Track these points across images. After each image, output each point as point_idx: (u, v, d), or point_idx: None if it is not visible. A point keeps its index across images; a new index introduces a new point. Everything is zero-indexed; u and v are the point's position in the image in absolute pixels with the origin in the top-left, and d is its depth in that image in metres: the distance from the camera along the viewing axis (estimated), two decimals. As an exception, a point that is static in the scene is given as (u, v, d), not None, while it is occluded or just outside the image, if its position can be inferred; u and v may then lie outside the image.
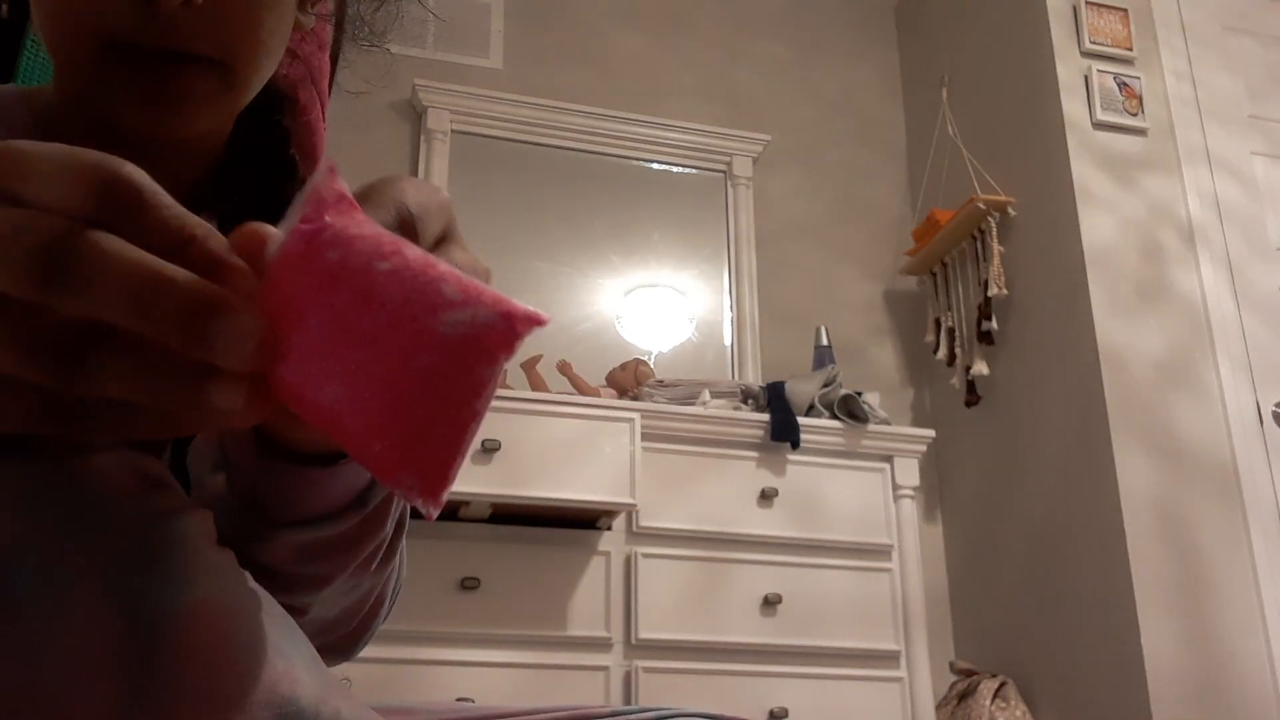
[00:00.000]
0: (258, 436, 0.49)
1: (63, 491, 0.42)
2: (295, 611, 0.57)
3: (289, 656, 0.43)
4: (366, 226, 0.34)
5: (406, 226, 0.38)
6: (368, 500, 0.55)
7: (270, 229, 0.36)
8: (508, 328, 0.32)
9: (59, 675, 0.39)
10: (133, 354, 0.34)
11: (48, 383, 0.34)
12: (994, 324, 3.04)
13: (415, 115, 3.23)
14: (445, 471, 0.33)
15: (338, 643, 0.67)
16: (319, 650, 0.55)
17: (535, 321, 0.33)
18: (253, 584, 0.46)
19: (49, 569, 0.40)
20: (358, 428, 0.33)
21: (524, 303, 0.33)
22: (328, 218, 0.34)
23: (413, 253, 0.34)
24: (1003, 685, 2.70)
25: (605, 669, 2.39)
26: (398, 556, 0.65)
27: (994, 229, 3.08)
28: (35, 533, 0.40)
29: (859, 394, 2.81)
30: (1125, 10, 3.11)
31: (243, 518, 0.53)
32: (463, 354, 0.32)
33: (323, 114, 0.84)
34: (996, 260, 3.03)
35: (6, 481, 0.40)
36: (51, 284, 0.33)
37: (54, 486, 0.42)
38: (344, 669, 1.96)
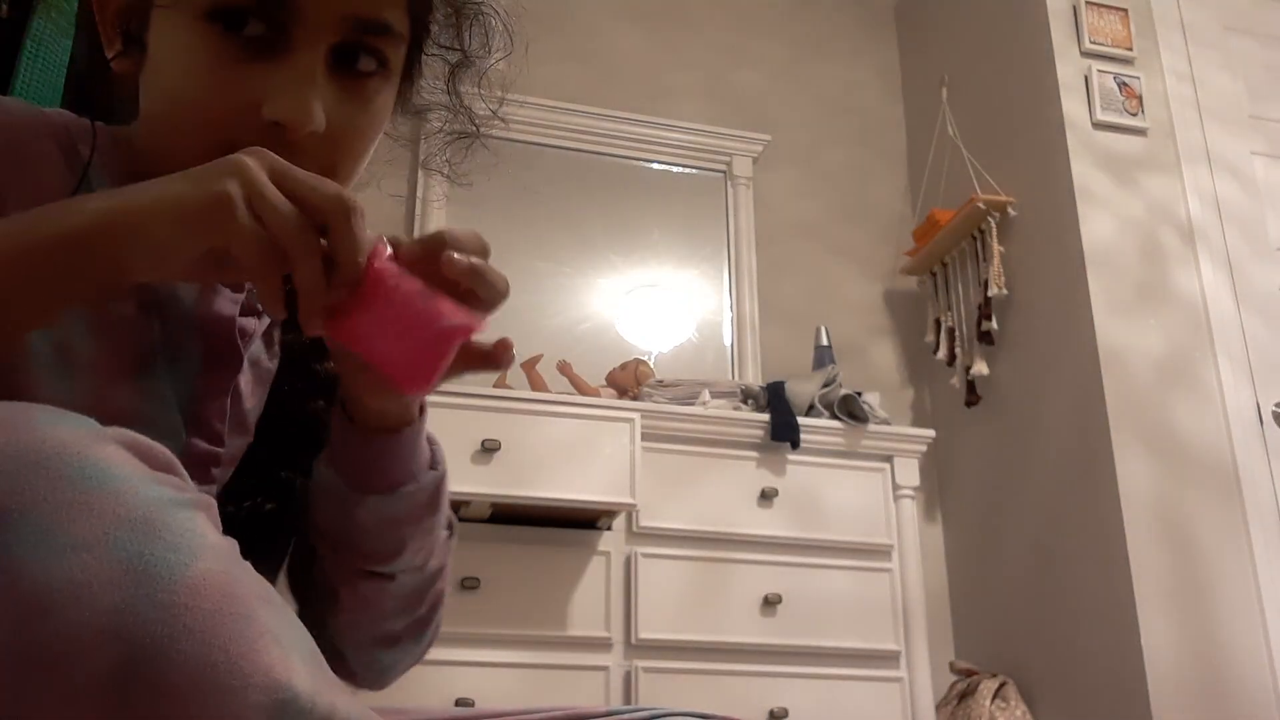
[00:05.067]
0: (351, 424, 0.71)
1: (74, 460, 0.43)
2: (384, 579, 0.74)
3: (286, 646, 0.44)
4: (405, 278, 0.62)
5: (440, 243, 0.65)
6: (436, 464, 0.75)
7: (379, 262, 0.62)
8: (466, 329, 0.62)
9: (59, 636, 0.39)
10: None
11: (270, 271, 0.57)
12: (994, 324, 3.04)
13: (416, 115, 3.23)
14: (429, 382, 0.62)
15: (411, 626, 0.80)
16: (394, 638, 0.80)
17: (475, 330, 0.62)
18: (255, 574, 0.47)
19: (52, 530, 0.41)
20: (388, 359, 0.62)
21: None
22: (385, 263, 0.62)
23: (426, 289, 0.62)
24: (1003, 685, 2.70)
25: (605, 669, 2.39)
26: (449, 555, 0.81)
27: (994, 229, 3.08)
28: (42, 494, 0.41)
29: (859, 394, 2.81)
30: (1125, 10, 3.11)
31: (344, 494, 0.70)
32: (447, 335, 0.61)
33: None
34: (996, 260, 3.03)
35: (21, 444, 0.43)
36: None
37: (66, 455, 0.43)
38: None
